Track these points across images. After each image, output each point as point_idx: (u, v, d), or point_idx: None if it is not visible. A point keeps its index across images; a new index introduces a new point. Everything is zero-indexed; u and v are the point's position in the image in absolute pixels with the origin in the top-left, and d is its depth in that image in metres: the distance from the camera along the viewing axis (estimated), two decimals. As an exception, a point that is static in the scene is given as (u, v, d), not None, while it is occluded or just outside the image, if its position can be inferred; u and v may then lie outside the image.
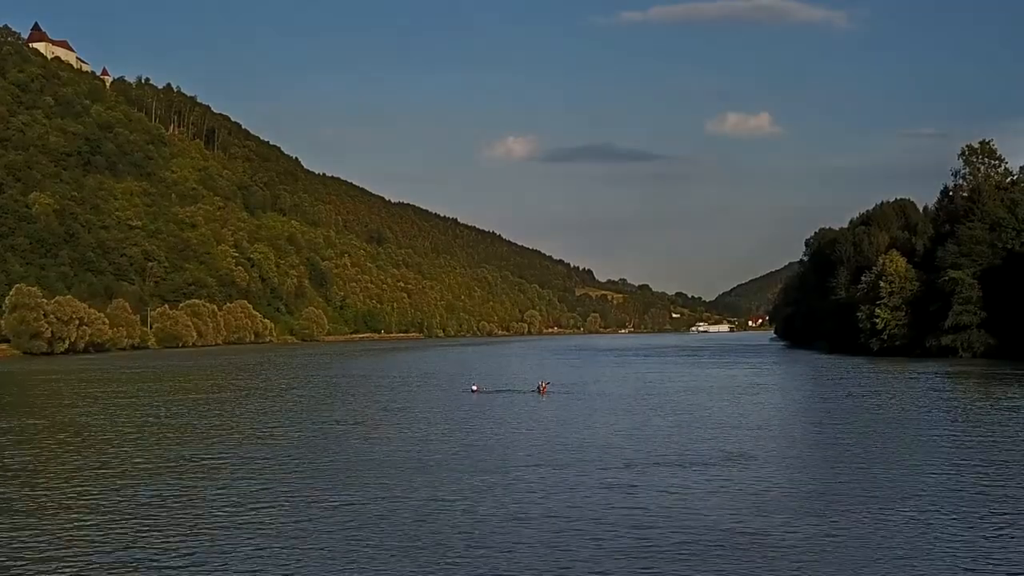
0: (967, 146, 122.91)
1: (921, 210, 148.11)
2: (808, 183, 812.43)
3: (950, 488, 28.30)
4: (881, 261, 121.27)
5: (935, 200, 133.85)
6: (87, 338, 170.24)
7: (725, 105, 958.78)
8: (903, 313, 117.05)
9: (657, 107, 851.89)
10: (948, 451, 36.08)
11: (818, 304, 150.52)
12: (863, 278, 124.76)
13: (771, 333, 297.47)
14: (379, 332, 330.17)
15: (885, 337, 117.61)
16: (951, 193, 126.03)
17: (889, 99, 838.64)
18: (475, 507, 26.12)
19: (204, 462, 35.17)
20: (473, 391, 67.10)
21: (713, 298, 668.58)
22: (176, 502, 27.37)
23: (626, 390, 71.47)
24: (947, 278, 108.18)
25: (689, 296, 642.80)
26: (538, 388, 66.73)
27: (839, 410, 53.59)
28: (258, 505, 26.78)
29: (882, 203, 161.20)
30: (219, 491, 28.96)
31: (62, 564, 20.62)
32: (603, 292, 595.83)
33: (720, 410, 54.71)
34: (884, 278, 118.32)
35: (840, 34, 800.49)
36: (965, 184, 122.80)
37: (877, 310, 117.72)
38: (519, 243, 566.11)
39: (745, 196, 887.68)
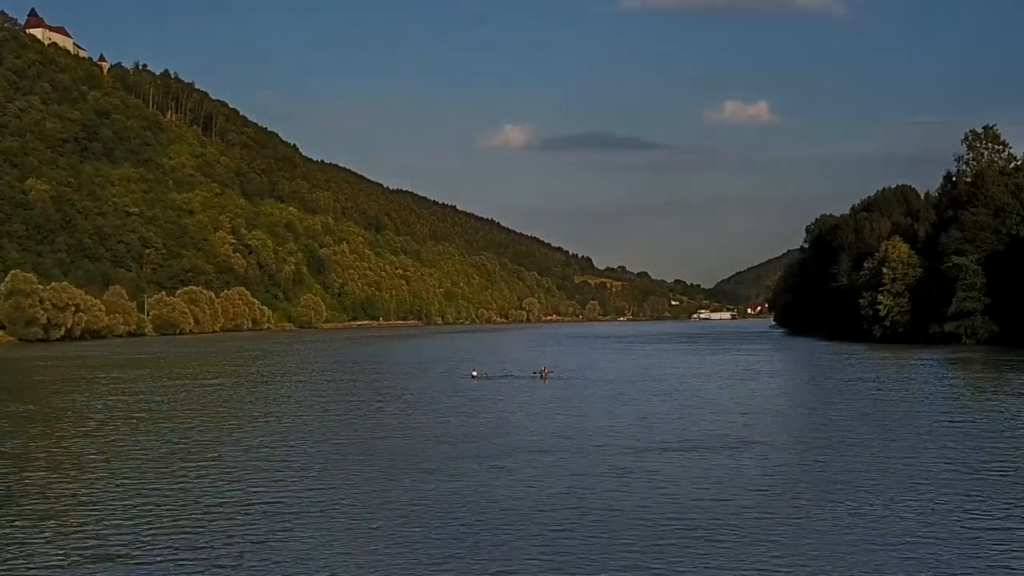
0: (970, 131, 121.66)
1: (922, 197, 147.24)
2: (806, 171, 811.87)
3: (952, 474, 27.74)
4: (884, 247, 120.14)
5: (938, 186, 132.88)
6: (83, 325, 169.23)
7: (723, 93, 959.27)
8: (905, 299, 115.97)
9: (655, 95, 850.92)
10: (952, 439, 35.16)
11: (819, 291, 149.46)
12: (865, 264, 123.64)
13: (771, 320, 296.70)
14: (377, 319, 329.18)
15: (888, 324, 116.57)
16: (954, 179, 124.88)
17: (887, 88, 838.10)
18: (480, 493, 25.35)
19: (203, 450, 34.36)
20: (473, 377, 66.32)
21: (712, 286, 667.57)
22: (176, 491, 26.57)
23: (628, 376, 70.61)
24: (951, 264, 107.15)
25: (688, 284, 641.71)
26: (539, 374, 65.99)
27: (842, 396, 52.75)
28: (256, 491, 26.13)
29: (883, 189, 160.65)
30: (215, 480, 28.25)
31: (58, 555, 19.91)
32: (602, 280, 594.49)
33: (722, 396, 54.01)
34: (887, 264, 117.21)
35: (837, 22, 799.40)
36: (968, 170, 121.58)
37: (880, 296, 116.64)
38: (518, 230, 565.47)
39: (743, 184, 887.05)
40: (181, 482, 27.48)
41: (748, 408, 46.55)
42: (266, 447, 34.34)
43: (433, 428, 38.96)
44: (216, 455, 32.57)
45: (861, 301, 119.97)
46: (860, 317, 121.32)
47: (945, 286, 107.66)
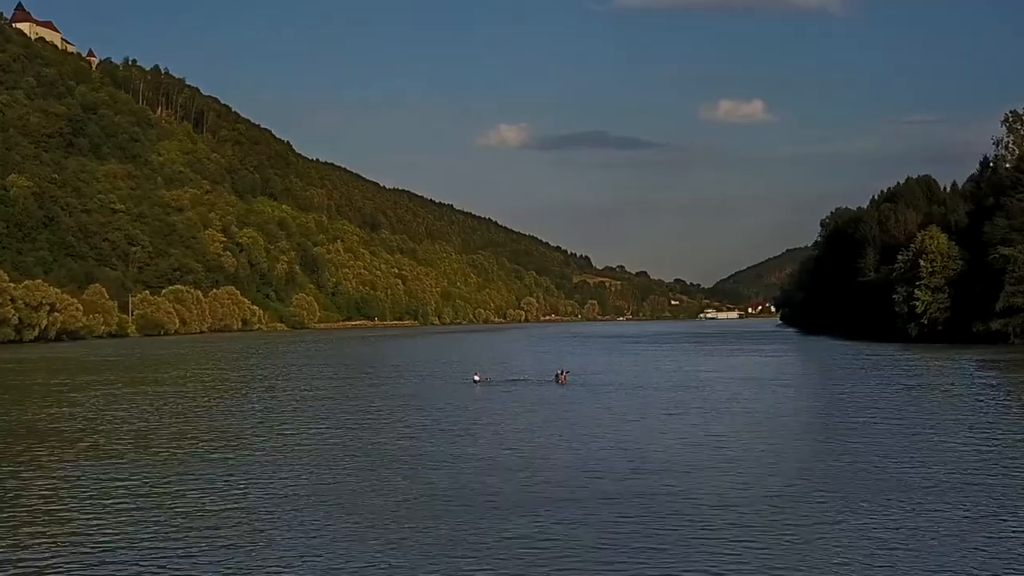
0: (1010, 112, 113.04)
1: (943, 188, 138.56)
2: (803, 169, 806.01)
3: None
4: (919, 238, 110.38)
5: (973, 173, 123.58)
6: (59, 325, 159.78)
7: (718, 92, 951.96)
8: (945, 295, 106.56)
9: (650, 94, 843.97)
10: None
11: (839, 287, 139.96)
12: (899, 257, 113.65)
13: (776, 320, 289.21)
14: (373, 319, 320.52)
15: (925, 321, 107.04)
16: (992, 164, 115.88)
17: (884, 86, 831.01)
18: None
19: (190, 462, 28.61)
20: (476, 382, 57.67)
21: (711, 285, 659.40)
22: (164, 504, 23.00)
23: (657, 382, 61.27)
24: (997, 255, 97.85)
25: (688, 283, 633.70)
26: (556, 377, 57.19)
27: (903, 410, 43.27)
28: (247, 505, 21.66)
29: (907, 179, 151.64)
30: (204, 490, 24.21)
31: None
32: (601, 279, 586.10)
33: (766, 407, 44.56)
34: (924, 256, 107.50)
35: (835, 21, 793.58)
36: (1007, 154, 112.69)
37: (916, 291, 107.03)
38: (515, 229, 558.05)
39: (741, 183, 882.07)
40: (172, 494, 20.21)
41: (805, 425, 38.05)
42: (245, 460, 28.34)
43: (423, 458, 29.85)
44: (198, 468, 25.78)
45: (895, 296, 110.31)
46: (889, 314, 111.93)
47: (990, 279, 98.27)
